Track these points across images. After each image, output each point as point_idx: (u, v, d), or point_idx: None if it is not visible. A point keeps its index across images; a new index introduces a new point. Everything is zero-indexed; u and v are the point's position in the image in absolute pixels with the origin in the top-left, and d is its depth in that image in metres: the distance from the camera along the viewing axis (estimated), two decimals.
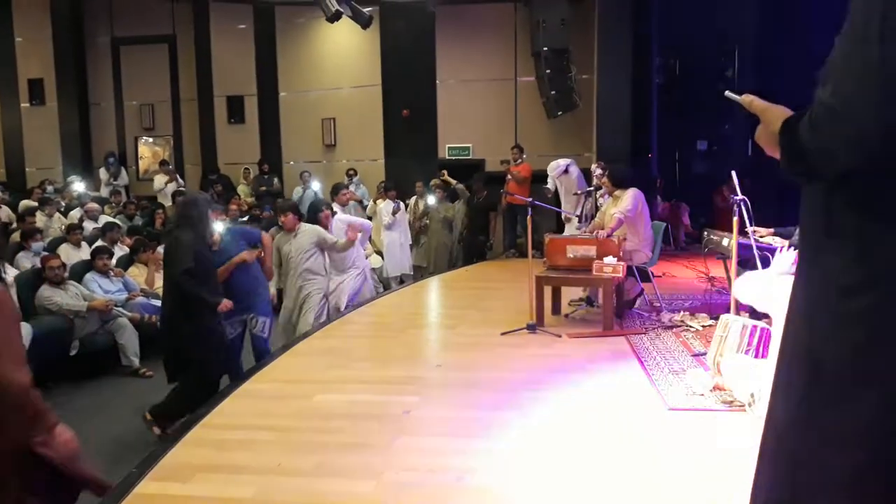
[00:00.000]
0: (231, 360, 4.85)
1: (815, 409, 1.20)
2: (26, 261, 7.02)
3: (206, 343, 4.43)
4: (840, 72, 1.11)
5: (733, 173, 4.96)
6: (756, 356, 3.87)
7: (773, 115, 1.30)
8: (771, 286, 3.60)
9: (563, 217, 9.01)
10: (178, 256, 4.35)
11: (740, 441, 3.26)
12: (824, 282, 1.20)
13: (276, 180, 13.07)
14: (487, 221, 10.35)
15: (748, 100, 1.39)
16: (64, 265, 6.39)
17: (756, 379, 3.58)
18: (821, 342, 1.20)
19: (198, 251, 4.41)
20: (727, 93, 1.57)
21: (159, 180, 12.47)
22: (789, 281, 3.48)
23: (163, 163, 13.44)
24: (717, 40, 11.76)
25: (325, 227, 6.03)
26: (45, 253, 6.96)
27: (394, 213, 9.43)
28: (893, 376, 1.11)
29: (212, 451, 3.31)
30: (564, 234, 8.39)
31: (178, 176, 12.88)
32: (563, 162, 9.12)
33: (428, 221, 10.29)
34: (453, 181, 10.40)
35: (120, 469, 3.24)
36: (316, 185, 12.36)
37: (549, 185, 9.26)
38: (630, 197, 6.03)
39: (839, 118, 1.10)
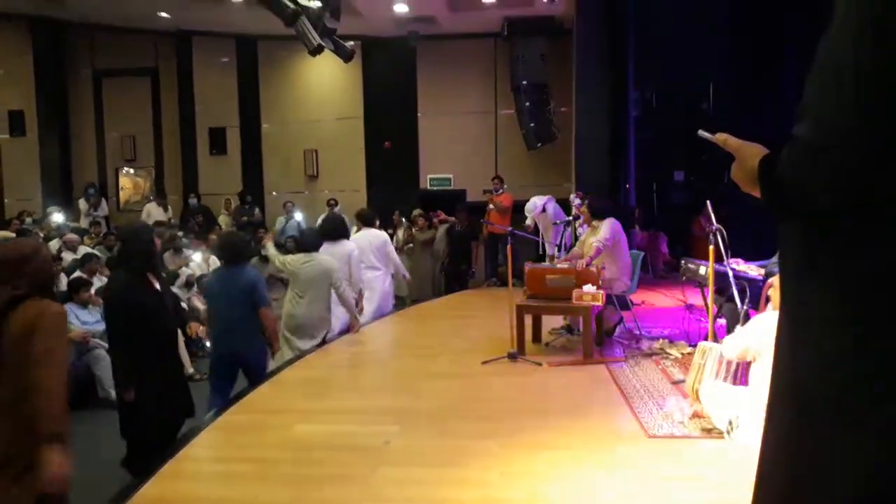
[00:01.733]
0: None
1: (805, 442, 1.19)
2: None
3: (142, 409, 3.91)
4: (816, 109, 1.12)
5: (708, 203, 5.06)
6: (734, 383, 3.90)
7: (747, 152, 1.31)
8: (752, 334, 3.63)
9: (547, 252, 9.09)
10: (108, 308, 4.01)
11: (720, 469, 3.28)
12: (807, 318, 1.20)
13: (256, 210, 13.08)
14: (469, 250, 10.41)
15: (722, 138, 1.41)
16: None
17: (734, 406, 3.61)
18: (807, 377, 1.19)
19: (132, 293, 3.93)
20: (700, 132, 1.59)
21: (150, 210, 12.41)
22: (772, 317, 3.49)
23: (159, 193, 13.41)
24: (693, 74, 12.03)
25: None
26: None
27: None
28: (884, 411, 1.10)
29: (188, 484, 3.26)
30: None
31: (168, 207, 12.92)
32: (539, 201, 9.21)
33: (412, 245, 10.35)
34: (451, 219, 10.51)
35: (94, 502, 3.19)
36: (299, 216, 12.39)
37: (529, 222, 9.35)
38: (607, 226, 6.11)
39: (817, 154, 1.10)
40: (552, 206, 9.20)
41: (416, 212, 10.58)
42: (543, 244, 9.26)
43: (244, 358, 4.90)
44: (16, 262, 2.68)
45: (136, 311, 3.88)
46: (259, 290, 4.89)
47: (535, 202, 9.19)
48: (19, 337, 2.51)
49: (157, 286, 4.08)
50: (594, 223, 6.28)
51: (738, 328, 4.17)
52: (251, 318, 4.82)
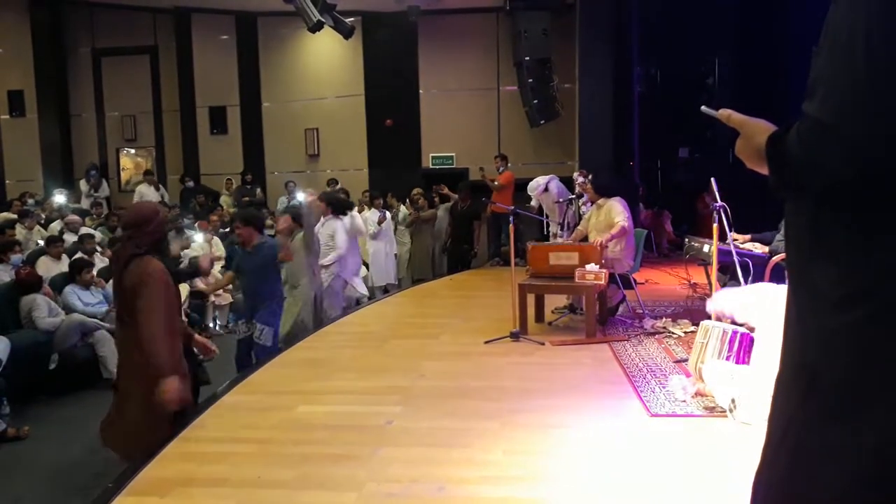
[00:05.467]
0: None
1: (812, 421, 1.18)
2: (4, 274, 6.93)
3: None
4: (827, 85, 1.10)
5: (713, 180, 5.01)
6: (737, 362, 3.89)
7: (753, 128, 1.29)
8: (747, 296, 3.64)
9: (551, 231, 9.04)
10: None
11: (722, 447, 3.27)
12: (815, 296, 1.18)
13: (258, 190, 13.03)
14: (471, 230, 10.35)
15: (726, 114, 1.38)
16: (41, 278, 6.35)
17: (737, 384, 3.60)
18: (816, 355, 1.18)
19: None
20: (703, 108, 1.56)
21: (143, 191, 12.38)
22: (766, 290, 3.50)
23: (147, 173, 13.35)
24: (697, 49, 11.89)
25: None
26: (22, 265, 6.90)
27: (379, 223, 9.40)
28: (890, 392, 1.09)
29: (191, 465, 3.26)
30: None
31: (160, 186, 12.84)
32: (542, 180, 9.14)
33: (416, 224, 10.32)
34: (454, 195, 10.44)
35: (98, 483, 3.20)
36: (301, 196, 12.33)
37: (533, 203, 9.29)
38: (619, 205, 6.05)
39: (828, 131, 1.08)
40: (555, 185, 9.14)
41: (416, 191, 10.49)
42: (547, 223, 9.21)
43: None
44: (140, 223, 3.25)
45: None
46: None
47: (538, 181, 9.12)
48: (130, 289, 3.15)
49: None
50: (599, 201, 6.23)
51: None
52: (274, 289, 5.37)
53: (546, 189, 9.10)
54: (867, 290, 1.11)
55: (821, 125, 1.10)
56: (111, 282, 7.06)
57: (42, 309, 6.03)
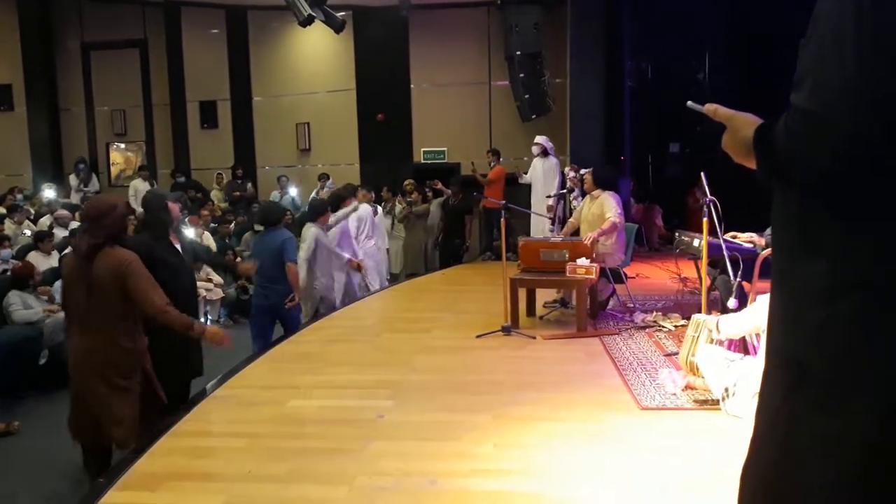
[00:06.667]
0: None
1: (799, 412, 1.18)
2: None
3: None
4: (815, 76, 1.10)
5: (703, 175, 5.03)
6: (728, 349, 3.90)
7: (739, 122, 1.29)
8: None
9: (532, 204, 9.04)
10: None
11: (712, 439, 3.30)
12: (803, 289, 1.18)
13: (249, 185, 12.97)
14: (463, 225, 10.36)
15: (712, 108, 1.37)
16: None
17: (732, 374, 3.60)
18: (804, 347, 1.18)
19: (157, 251, 3.93)
20: (689, 103, 1.55)
21: (137, 186, 12.30)
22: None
23: (141, 168, 13.28)
24: (689, 44, 11.90)
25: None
26: (14, 261, 6.85)
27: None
28: (880, 383, 1.09)
29: (182, 459, 3.26)
30: (535, 233, 8.48)
31: (154, 181, 12.78)
32: (547, 141, 9.26)
33: (409, 219, 10.32)
34: (447, 190, 10.43)
35: (86, 480, 3.20)
36: (293, 190, 12.31)
37: (527, 176, 9.33)
38: (612, 200, 6.06)
39: (816, 123, 1.08)
40: (556, 161, 9.19)
41: (407, 182, 10.45)
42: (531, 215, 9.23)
43: (281, 310, 5.56)
44: (96, 217, 3.35)
45: (161, 269, 3.78)
46: (287, 247, 5.48)
47: (545, 139, 9.23)
48: (108, 279, 3.24)
49: (178, 246, 4.25)
50: (594, 192, 6.22)
51: (743, 304, 4.17)
52: (285, 274, 5.49)
53: (546, 153, 9.14)
54: (853, 282, 1.11)
55: (808, 116, 1.10)
56: None
57: (16, 304, 6.00)
